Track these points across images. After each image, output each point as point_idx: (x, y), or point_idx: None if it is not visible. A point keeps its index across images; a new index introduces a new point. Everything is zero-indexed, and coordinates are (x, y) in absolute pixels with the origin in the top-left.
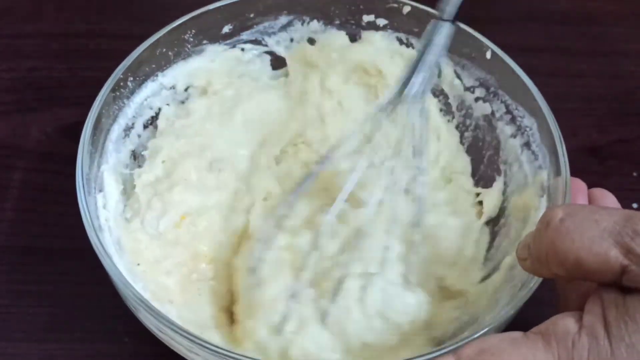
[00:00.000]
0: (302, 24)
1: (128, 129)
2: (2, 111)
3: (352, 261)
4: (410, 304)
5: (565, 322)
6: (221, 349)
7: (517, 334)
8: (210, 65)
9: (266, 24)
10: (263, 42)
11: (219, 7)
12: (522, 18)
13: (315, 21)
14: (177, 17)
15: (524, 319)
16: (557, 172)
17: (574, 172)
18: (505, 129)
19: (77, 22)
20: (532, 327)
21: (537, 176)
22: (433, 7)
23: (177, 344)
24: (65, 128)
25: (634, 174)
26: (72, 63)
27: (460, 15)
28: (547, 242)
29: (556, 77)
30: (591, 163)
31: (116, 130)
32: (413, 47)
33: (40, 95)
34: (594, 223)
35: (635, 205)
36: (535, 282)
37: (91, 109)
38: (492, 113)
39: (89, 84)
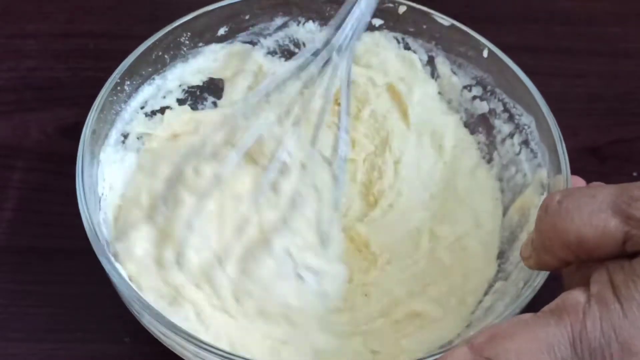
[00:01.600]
0: (298, 25)
1: (126, 132)
2: (2, 111)
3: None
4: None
5: (574, 296)
6: (230, 354)
7: (527, 316)
8: (213, 65)
9: (261, 25)
10: (259, 44)
11: (214, 10)
12: (522, 18)
13: (310, 22)
14: (178, 17)
15: None
16: (557, 170)
17: (574, 172)
18: (503, 128)
19: (77, 22)
20: None
21: (537, 174)
22: (429, 7)
23: (182, 348)
24: (65, 128)
25: (634, 174)
26: (72, 63)
27: (460, 15)
28: (548, 226)
29: (556, 77)
30: (591, 163)
31: (114, 135)
32: (410, 49)
33: (40, 95)
34: (591, 198)
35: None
36: (539, 280)
37: (89, 114)
38: (490, 111)
39: (89, 84)
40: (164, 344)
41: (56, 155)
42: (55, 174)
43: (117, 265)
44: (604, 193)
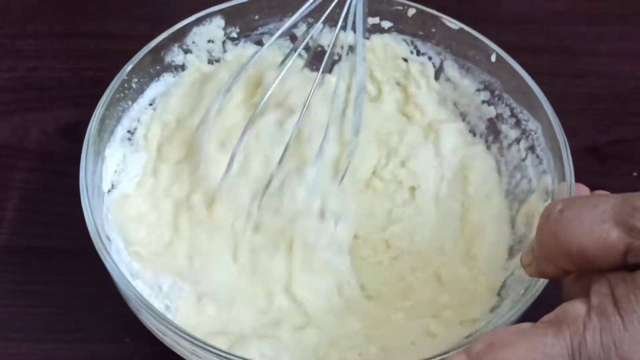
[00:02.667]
0: (307, 26)
1: (132, 130)
2: (2, 111)
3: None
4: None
5: (574, 307)
6: (226, 352)
7: (526, 325)
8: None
9: (271, 25)
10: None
11: (223, 9)
12: (522, 18)
13: (320, 23)
14: (178, 18)
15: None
16: (562, 177)
17: (574, 172)
18: (510, 133)
19: (77, 22)
20: None
21: (542, 181)
22: (438, 9)
23: (179, 346)
24: (65, 128)
25: (634, 174)
26: (72, 63)
27: (461, 16)
28: (549, 234)
29: (556, 77)
30: (591, 163)
31: (120, 131)
32: (419, 53)
33: (40, 95)
34: (593, 208)
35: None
36: (539, 285)
37: (95, 111)
38: (497, 116)
39: (89, 84)
40: (163, 342)
41: (56, 155)
42: (55, 174)
43: (119, 262)
44: (606, 203)
